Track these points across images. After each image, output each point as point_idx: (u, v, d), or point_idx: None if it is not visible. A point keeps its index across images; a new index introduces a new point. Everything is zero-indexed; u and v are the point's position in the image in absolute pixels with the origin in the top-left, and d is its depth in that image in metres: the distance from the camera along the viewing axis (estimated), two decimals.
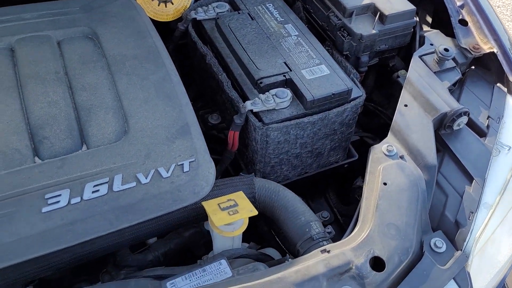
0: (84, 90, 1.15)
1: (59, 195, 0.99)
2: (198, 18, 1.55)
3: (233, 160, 1.44)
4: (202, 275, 1.03)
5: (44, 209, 0.97)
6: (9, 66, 1.17)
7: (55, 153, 1.05)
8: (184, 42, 1.67)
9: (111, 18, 1.34)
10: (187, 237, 1.31)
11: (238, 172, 1.50)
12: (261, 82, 1.31)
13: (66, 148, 1.06)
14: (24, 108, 1.10)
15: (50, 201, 0.98)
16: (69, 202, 0.99)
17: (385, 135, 1.31)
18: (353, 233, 1.04)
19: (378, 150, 1.20)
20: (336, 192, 1.76)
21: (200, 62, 1.56)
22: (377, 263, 0.99)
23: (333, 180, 1.74)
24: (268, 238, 1.50)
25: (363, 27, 1.47)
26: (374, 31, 1.46)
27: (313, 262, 0.95)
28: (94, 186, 1.01)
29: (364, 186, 1.13)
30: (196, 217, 1.16)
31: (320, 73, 1.34)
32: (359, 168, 1.71)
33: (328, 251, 0.99)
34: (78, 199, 0.99)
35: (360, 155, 1.56)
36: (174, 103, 1.17)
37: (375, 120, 1.74)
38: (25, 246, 0.94)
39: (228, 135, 1.35)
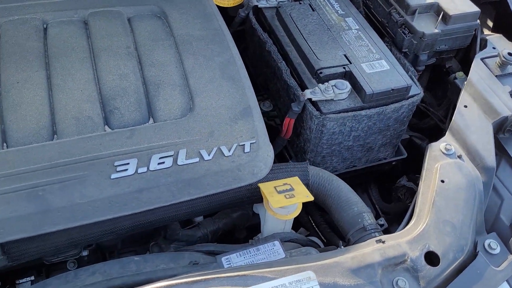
0: (153, 66, 1.19)
1: (128, 163, 1.03)
2: (259, 6, 1.57)
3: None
4: (256, 254, 1.06)
5: (113, 176, 1.01)
6: (83, 37, 1.22)
7: (124, 124, 1.09)
8: (241, 29, 1.70)
9: None
10: (234, 218, 1.34)
11: (283, 161, 1.52)
12: (320, 72, 1.32)
13: (135, 120, 1.10)
14: (96, 79, 1.14)
15: (118, 169, 1.02)
16: (136, 171, 1.03)
17: (434, 137, 1.31)
18: (408, 227, 1.05)
19: (436, 148, 1.20)
20: (377, 189, 1.76)
21: (257, 49, 1.59)
22: (431, 258, 0.99)
23: (376, 177, 1.74)
24: (308, 228, 1.53)
25: (425, 26, 1.46)
26: (436, 31, 1.45)
27: (369, 250, 0.97)
28: (160, 158, 1.05)
29: (420, 182, 1.13)
30: (249, 198, 1.19)
31: (380, 68, 1.35)
32: (403, 167, 1.71)
33: (383, 242, 1.00)
34: (144, 169, 1.03)
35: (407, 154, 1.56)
36: (238, 85, 1.20)
37: (425, 121, 1.73)
38: (94, 209, 0.98)
39: (283, 122, 1.37)
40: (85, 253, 1.20)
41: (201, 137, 1.09)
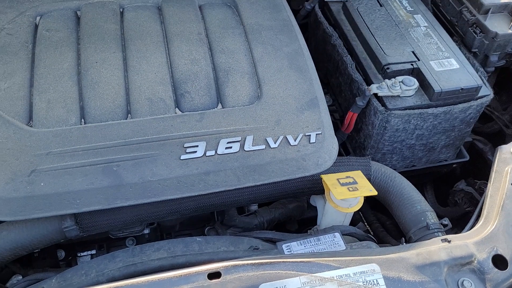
0: (223, 52, 1.21)
1: (197, 146, 1.05)
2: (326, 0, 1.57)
3: None
4: (317, 244, 1.06)
5: (183, 157, 1.04)
6: (157, 22, 1.26)
7: (194, 108, 1.12)
8: (304, 22, 1.70)
9: None
10: (290, 209, 1.35)
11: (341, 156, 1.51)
12: (388, 68, 1.31)
13: (204, 104, 1.13)
14: (169, 63, 1.18)
15: (188, 150, 1.05)
16: (204, 153, 1.05)
17: (497, 142, 1.27)
18: (475, 228, 1.02)
19: (507, 151, 1.16)
20: (433, 192, 1.72)
21: (320, 43, 1.59)
22: (499, 261, 0.97)
23: (433, 179, 1.71)
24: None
25: (499, 26, 1.42)
26: (510, 31, 1.40)
27: (435, 248, 0.95)
28: (228, 142, 1.07)
29: (488, 184, 1.10)
30: (310, 189, 1.19)
31: (449, 67, 1.32)
32: (461, 171, 1.67)
33: (449, 241, 0.98)
34: (212, 152, 1.06)
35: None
36: (305, 76, 1.20)
37: (488, 125, 1.68)
38: (163, 188, 1.02)
39: (343, 116, 1.36)
40: (146, 231, 1.25)
41: (267, 125, 1.11)
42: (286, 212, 1.34)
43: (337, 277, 0.88)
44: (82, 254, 1.33)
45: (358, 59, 1.40)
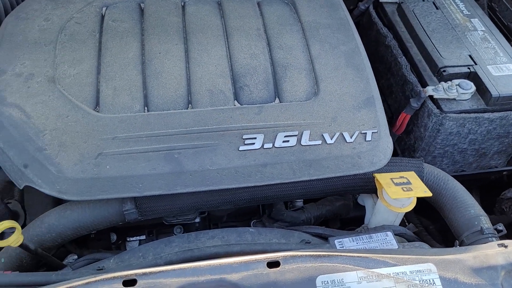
0: (281, 48, 1.23)
1: (255, 138, 1.08)
2: (381, 0, 1.57)
3: None
4: (368, 241, 1.07)
5: (241, 148, 1.06)
6: (217, 17, 1.29)
7: (252, 101, 1.14)
8: (355, 22, 1.70)
9: None
10: (337, 206, 1.36)
11: None
12: (444, 71, 1.30)
13: (262, 98, 1.15)
14: (229, 56, 1.20)
15: (246, 142, 1.07)
16: (262, 145, 1.07)
17: None
18: None
19: None
20: (479, 199, 1.70)
21: (371, 43, 1.59)
22: None
23: (480, 186, 1.68)
24: None
25: None
26: None
27: (492, 252, 0.94)
28: (285, 136, 1.09)
29: None
30: (362, 187, 1.19)
31: (508, 72, 1.30)
32: (509, 179, 1.64)
33: (506, 246, 0.97)
34: (270, 145, 1.08)
35: None
36: (362, 74, 1.21)
37: None
38: (221, 177, 1.04)
39: (394, 117, 1.36)
40: (197, 219, 1.28)
41: (324, 121, 1.12)
42: (333, 209, 1.35)
43: (394, 274, 0.88)
44: (131, 239, 1.38)
45: (412, 61, 1.39)
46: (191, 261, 0.98)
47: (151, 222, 1.34)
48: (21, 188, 1.05)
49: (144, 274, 0.83)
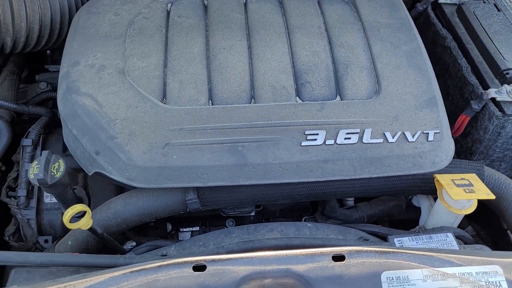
0: (342, 47, 1.24)
1: (317, 134, 1.09)
2: (440, 1, 1.55)
3: None
4: (428, 241, 1.06)
5: (303, 143, 1.08)
6: (279, 14, 1.31)
7: (314, 97, 1.15)
8: None
9: None
10: (390, 207, 1.35)
11: None
12: (507, 73, 1.28)
13: (324, 95, 1.16)
14: (291, 53, 1.22)
15: (309, 137, 1.09)
16: (324, 142, 1.08)
17: None
18: None
19: None
20: None
21: (428, 44, 1.57)
22: None
23: None
24: None
25: None
26: None
27: None
28: (347, 133, 1.10)
29: None
30: (420, 187, 1.19)
31: None
32: None
33: None
34: (332, 142, 1.09)
35: None
36: (424, 75, 1.20)
37: None
38: (283, 171, 1.06)
39: (455, 119, 1.35)
40: (252, 213, 1.30)
41: (386, 120, 1.12)
42: (386, 209, 1.34)
43: (459, 274, 0.88)
44: (184, 229, 1.41)
45: (473, 63, 1.37)
46: (251, 251, 1.00)
47: (205, 214, 1.37)
48: (90, 174, 1.10)
49: (213, 260, 0.86)
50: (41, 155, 1.28)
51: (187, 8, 1.31)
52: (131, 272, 0.84)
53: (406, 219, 1.38)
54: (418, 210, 1.35)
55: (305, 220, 1.38)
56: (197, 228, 1.40)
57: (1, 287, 1.27)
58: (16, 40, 1.29)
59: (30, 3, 1.25)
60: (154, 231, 1.35)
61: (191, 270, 0.84)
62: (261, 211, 1.36)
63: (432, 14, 1.54)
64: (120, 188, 1.27)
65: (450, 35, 1.47)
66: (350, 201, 1.38)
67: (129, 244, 1.26)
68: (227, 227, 1.40)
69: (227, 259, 0.86)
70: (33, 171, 1.07)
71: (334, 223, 1.31)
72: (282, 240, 1.05)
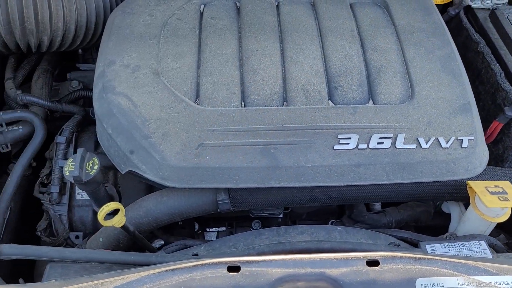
0: (375, 50, 1.24)
1: (350, 138, 1.09)
2: (473, 6, 1.54)
3: None
4: (461, 249, 1.05)
5: (336, 147, 1.08)
6: (311, 17, 1.31)
7: (347, 101, 1.15)
8: None
9: None
10: (418, 212, 1.34)
11: None
12: None
13: (356, 99, 1.16)
14: (323, 56, 1.22)
15: (341, 141, 1.08)
16: (356, 146, 1.08)
17: None
18: None
19: None
20: None
21: (459, 49, 1.55)
22: None
23: None
24: None
25: None
26: None
27: None
28: (380, 138, 1.09)
29: None
30: (451, 194, 1.18)
31: None
32: None
33: None
34: (364, 146, 1.08)
35: None
36: (458, 80, 1.19)
37: None
38: (315, 174, 1.06)
39: (488, 125, 1.33)
40: (281, 215, 1.30)
41: (419, 125, 1.11)
42: (415, 215, 1.34)
43: (495, 283, 0.87)
44: (210, 229, 1.42)
45: (506, 69, 1.36)
46: (282, 254, 1.01)
47: (231, 215, 1.38)
48: (123, 172, 1.12)
49: (247, 262, 0.86)
50: (73, 152, 1.31)
51: (220, 9, 1.32)
52: (166, 271, 0.85)
53: (433, 225, 1.37)
54: (445, 217, 1.34)
55: (332, 224, 1.38)
56: (223, 228, 1.41)
57: (31, 280, 1.29)
58: (53, 39, 1.32)
59: (68, 3, 1.28)
60: (182, 230, 1.36)
61: (225, 271, 0.85)
62: (288, 214, 1.36)
63: (465, 19, 1.53)
64: (150, 187, 1.28)
65: (483, 40, 1.45)
66: (377, 206, 1.37)
67: (157, 243, 1.28)
68: (253, 228, 1.41)
69: (261, 261, 0.87)
70: (68, 168, 1.09)
71: (362, 227, 1.31)
72: (312, 243, 1.05)
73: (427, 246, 1.06)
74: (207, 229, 1.42)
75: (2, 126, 1.28)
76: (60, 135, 1.33)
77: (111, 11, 1.38)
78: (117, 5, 1.42)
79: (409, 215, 1.33)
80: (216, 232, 1.43)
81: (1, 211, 1.17)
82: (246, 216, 1.35)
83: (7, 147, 1.31)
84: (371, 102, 1.16)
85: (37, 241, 1.35)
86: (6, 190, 1.22)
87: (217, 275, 0.85)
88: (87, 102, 1.59)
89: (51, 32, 1.29)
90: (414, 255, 0.89)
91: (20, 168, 1.24)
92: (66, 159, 1.31)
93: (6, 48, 1.33)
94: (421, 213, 1.34)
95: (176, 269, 0.85)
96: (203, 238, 1.42)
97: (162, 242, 1.28)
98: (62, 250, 0.99)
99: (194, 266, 0.86)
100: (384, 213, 1.32)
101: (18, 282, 1.12)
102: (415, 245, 1.14)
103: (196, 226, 1.39)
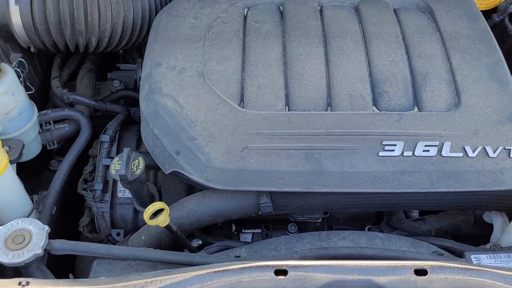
0: (420, 57, 1.23)
1: (395, 144, 1.08)
2: None
3: None
4: (507, 260, 1.04)
5: (381, 153, 1.07)
6: (355, 22, 1.31)
7: (391, 107, 1.15)
8: None
9: None
10: (458, 221, 1.32)
11: None
12: None
13: (401, 105, 1.15)
14: (367, 62, 1.22)
15: (386, 148, 1.08)
16: (402, 153, 1.08)
17: None
18: None
19: None
20: None
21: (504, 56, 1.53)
22: None
23: None
24: None
25: None
26: None
27: None
28: (425, 146, 1.08)
29: None
30: (495, 204, 1.16)
31: None
32: None
33: None
34: (409, 153, 1.08)
35: None
36: (506, 88, 1.17)
37: None
38: (359, 180, 1.06)
39: None
40: (319, 219, 1.30)
41: (466, 134, 1.10)
42: (455, 223, 1.32)
43: None
44: (246, 231, 1.43)
45: None
46: (325, 259, 1.01)
47: (267, 217, 1.39)
48: (167, 173, 1.14)
49: (295, 266, 0.87)
50: (116, 151, 1.34)
51: (264, 13, 1.33)
52: (215, 272, 0.86)
53: (470, 234, 1.35)
54: (483, 226, 1.32)
55: (368, 229, 1.37)
56: (259, 230, 1.42)
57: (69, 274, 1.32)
58: (100, 40, 1.35)
59: (116, 5, 1.31)
60: (220, 231, 1.38)
61: (273, 274, 0.86)
62: (324, 218, 1.36)
63: (510, 26, 1.50)
64: (190, 187, 1.30)
65: None
66: (415, 213, 1.36)
67: (195, 242, 1.29)
68: (289, 231, 1.41)
69: (309, 266, 0.87)
70: (115, 167, 1.11)
71: (400, 234, 1.30)
72: (355, 249, 1.05)
73: (472, 257, 1.05)
74: (243, 230, 1.43)
75: (50, 123, 1.32)
76: (104, 133, 1.36)
77: (156, 13, 1.41)
78: (162, 7, 1.44)
79: (449, 223, 1.31)
80: (251, 234, 1.44)
81: (48, 206, 1.20)
82: (282, 219, 1.35)
83: (54, 144, 1.35)
84: (416, 109, 1.15)
85: (77, 237, 1.38)
86: (53, 186, 1.25)
87: (264, 278, 0.85)
88: (127, 101, 1.63)
89: (99, 33, 1.32)
90: (463, 266, 0.88)
91: (67, 165, 1.27)
92: (109, 157, 1.34)
93: (55, 48, 1.36)
94: (461, 221, 1.33)
95: (224, 270, 0.86)
96: (238, 239, 1.43)
97: (200, 242, 1.30)
98: (110, 247, 1.02)
99: (241, 268, 0.87)
100: (423, 221, 1.31)
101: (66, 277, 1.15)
102: (457, 254, 1.13)
103: (233, 227, 1.40)
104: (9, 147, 1.13)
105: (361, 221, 1.42)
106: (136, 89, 1.58)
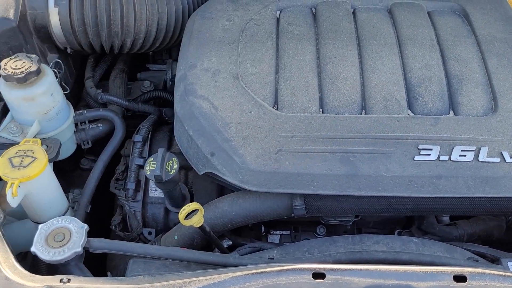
0: (456, 61, 1.21)
1: (431, 149, 1.07)
2: None
3: None
4: None
5: (416, 158, 1.07)
6: (389, 25, 1.30)
7: (427, 111, 1.14)
8: None
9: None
10: (491, 226, 1.31)
11: None
12: None
13: (436, 109, 1.14)
14: (402, 65, 1.21)
15: (422, 152, 1.07)
16: (438, 157, 1.07)
17: None
18: None
19: None
20: None
21: None
22: None
23: None
24: None
25: None
26: None
27: None
28: (462, 150, 1.07)
29: None
30: None
31: None
32: None
33: None
34: (446, 158, 1.07)
35: None
36: None
37: None
38: (394, 184, 1.05)
39: None
40: (351, 222, 1.30)
41: (503, 139, 1.09)
42: (487, 229, 1.30)
43: None
44: (274, 232, 1.43)
45: None
46: (359, 263, 1.00)
47: (297, 219, 1.38)
48: (200, 174, 1.15)
49: (332, 270, 0.87)
50: (148, 151, 1.35)
51: (297, 15, 1.33)
52: (253, 273, 0.87)
53: (500, 240, 1.34)
54: None
55: (399, 233, 1.36)
56: (287, 232, 1.42)
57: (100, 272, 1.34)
58: (135, 41, 1.37)
59: (150, 7, 1.32)
60: (249, 232, 1.38)
61: (311, 277, 0.86)
62: (355, 221, 1.35)
63: None
64: (222, 188, 1.31)
65: None
66: (446, 217, 1.35)
67: (225, 243, 1.30)
68: (318, 234, 1.41)
69: (346, 270, 0.87)
70: (149, 167, 1.13)
71: (431, 239, 1.28)
72: (390, 253, 1.05)
73: (509, 264, 1.03)
74: (271, 232, 1.44)
75: (85, 123, 1.34)
76: (137, 134, 1.37)
77: (189, 15, 1.42)
78: (195, 9, 1.45)
79: (482, 229, 1.30)
80: (279, 235, 1.44)
81: (83, 205, 1.23)
82: (311, 221, 1.35)
83: (88, 144, 1.37)
84: (452, 113, 1.14)
85: (102, 234, 1.40)
86: (88, 185, 1.27)
87: (302, 281, 0.86)
88: (156, 102, 1.65)
89: (134, 34, 1.34)
90: (503, 273, 0.87)
91: (102, 164, 1.29)
92: (141, 157, 1.36)
93: (91, 49, 1.39)
94: (494, 227, 1.31)
95: (262, 272, 0.87)
96: (266, 240, 1.43)
97: (230, 242, 1.31)
98: (146, 246, 1.03)
99: (279, 270, 0.87)
100: (455, 226, 1.30)
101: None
102: (492, 261, 1.11)
103: (262, 228, 1.40)
104: (47, 146, 1.15)
105: (391, 224, 1.41)
106: (167, 89, 1.60)
